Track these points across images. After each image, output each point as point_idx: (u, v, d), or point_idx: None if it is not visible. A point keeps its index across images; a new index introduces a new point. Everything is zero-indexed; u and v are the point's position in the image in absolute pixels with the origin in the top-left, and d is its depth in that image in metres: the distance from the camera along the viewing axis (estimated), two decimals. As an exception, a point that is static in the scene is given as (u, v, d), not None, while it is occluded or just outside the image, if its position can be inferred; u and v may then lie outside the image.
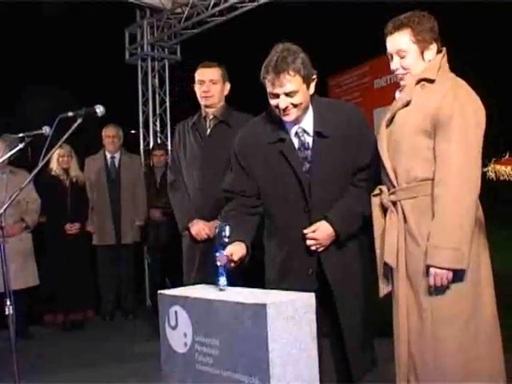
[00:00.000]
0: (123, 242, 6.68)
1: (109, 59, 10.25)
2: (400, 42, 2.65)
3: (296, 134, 2.96)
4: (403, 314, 2.60)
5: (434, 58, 2.65)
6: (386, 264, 2.68)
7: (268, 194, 3.01)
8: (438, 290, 2.47)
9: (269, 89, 2.83)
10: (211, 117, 3.98)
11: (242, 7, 7.08)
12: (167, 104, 8.53)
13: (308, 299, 2.26)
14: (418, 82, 2.64)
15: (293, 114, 2.86)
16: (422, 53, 2.65)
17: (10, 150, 3.34)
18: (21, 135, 3.19)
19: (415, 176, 2.55)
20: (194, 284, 3.21)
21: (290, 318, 2.17)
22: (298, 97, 2.81)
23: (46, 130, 3.13)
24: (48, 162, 6.02)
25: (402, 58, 2.66)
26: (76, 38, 12.53)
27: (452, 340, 2.47)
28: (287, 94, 2.80)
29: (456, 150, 2.42)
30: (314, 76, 2.89)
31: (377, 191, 2.74)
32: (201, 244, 3.91)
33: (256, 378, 2.15)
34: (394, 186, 2.63)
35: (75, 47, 13.03)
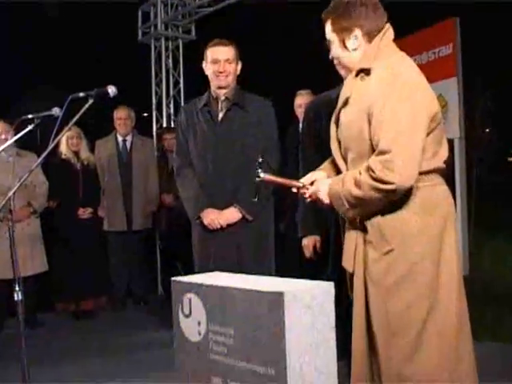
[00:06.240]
0: (134, 228, 6.70)
1: (121, 38, 10.26)
2: (326, 32, 2.67)
3: None
4: (359, 320, 2.61)
5: (372, 44, 2.55)
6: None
7: None
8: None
9: None
10: (223, 98, 3.92)
11: (259, -15, 7.05)
12: (181, 85, 8.53)
13: (327, 288, 2.26)
14: (358, 73, 2.58)
15: None
16: (344, 42, 2.59)
17: (17, 132, 3.35)
18: (30, 116, 3.20)
19: None
20: None
21: (308, 306, 2.17)
22: None
23: (56, 111, 3.12)
24: (57, 145, 6.02)
25: (331, 47, 2.68)
26: (87, 17, 12.53)
27: (402, 350, 2.47)
28: None
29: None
30: None
31: None
32: (214, 234, 3.86)
33: (272, 368, 2.15)
34: None
35: (86, 26, 13.03)
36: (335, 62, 2.70)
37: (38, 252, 5.84)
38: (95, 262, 6.29)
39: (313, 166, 3.07)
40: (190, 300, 2.53)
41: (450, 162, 2.66)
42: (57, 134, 2.99)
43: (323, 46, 3.36)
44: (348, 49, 2.60)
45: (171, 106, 8.50)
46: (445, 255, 2.50)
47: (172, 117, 8.46)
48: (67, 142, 6.21)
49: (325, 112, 3.39)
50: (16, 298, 2.87)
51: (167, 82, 8.48)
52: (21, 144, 5.74)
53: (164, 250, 7.52)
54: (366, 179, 2.39)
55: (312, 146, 3.68)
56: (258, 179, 2.73)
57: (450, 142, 6.95)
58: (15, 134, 3.43)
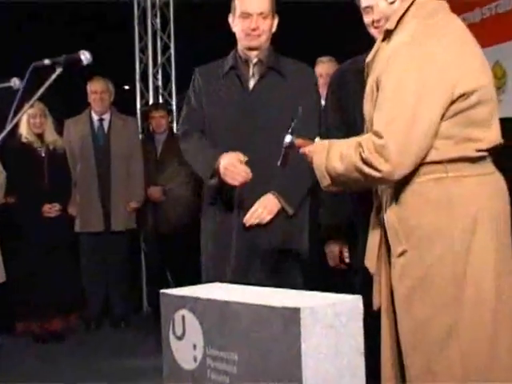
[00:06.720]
0: (113, 228, 6.73)
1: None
2: None
3: None
4: (386, 333, 2.68)
5: (406, 1, 2.60)
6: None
7: None
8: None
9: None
10: (255, 61, 3.81)
11: None
12: (172, 51, 8.51)
13: (354, 302, 2.26)
14: (385, 37, 2.64)
15: None
16: None
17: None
18: (-20, 89, 3.19)
19: None
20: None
21: (330, 326, 2.18)
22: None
23: (16, 82, 3.11)
24: (16, 126, 6.01)
25: None
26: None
27: (420, 366, 2.52)
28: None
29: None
30: None
31: None
32: (235, 222, 3.69)
33: (285, 402, 2.16)
34: None
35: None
36: (374, 17, 2.81)
37: (-7, 259, 5.85)
38: (64, 271, 6.31)
39: None
40: (183, 318, 2.54)
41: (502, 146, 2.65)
42: (16, 112, 2.98)
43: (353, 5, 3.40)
44: (387, 0, 2.66)
45: (159, 76, 8.50)
46: (474, 260, 2.50)
47: (160, 90, 8.47)
48: (28, 122, 6.23)
49: (353, 83, 3.39)
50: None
51: (154, 47, 8.48)
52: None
53: (150, 256, 7.53)
54: (353, 157, 2.46)
55: (339, 125, 3.67)
56: (286, 143, 2.82)
57: (510, 122, 6.91)
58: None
